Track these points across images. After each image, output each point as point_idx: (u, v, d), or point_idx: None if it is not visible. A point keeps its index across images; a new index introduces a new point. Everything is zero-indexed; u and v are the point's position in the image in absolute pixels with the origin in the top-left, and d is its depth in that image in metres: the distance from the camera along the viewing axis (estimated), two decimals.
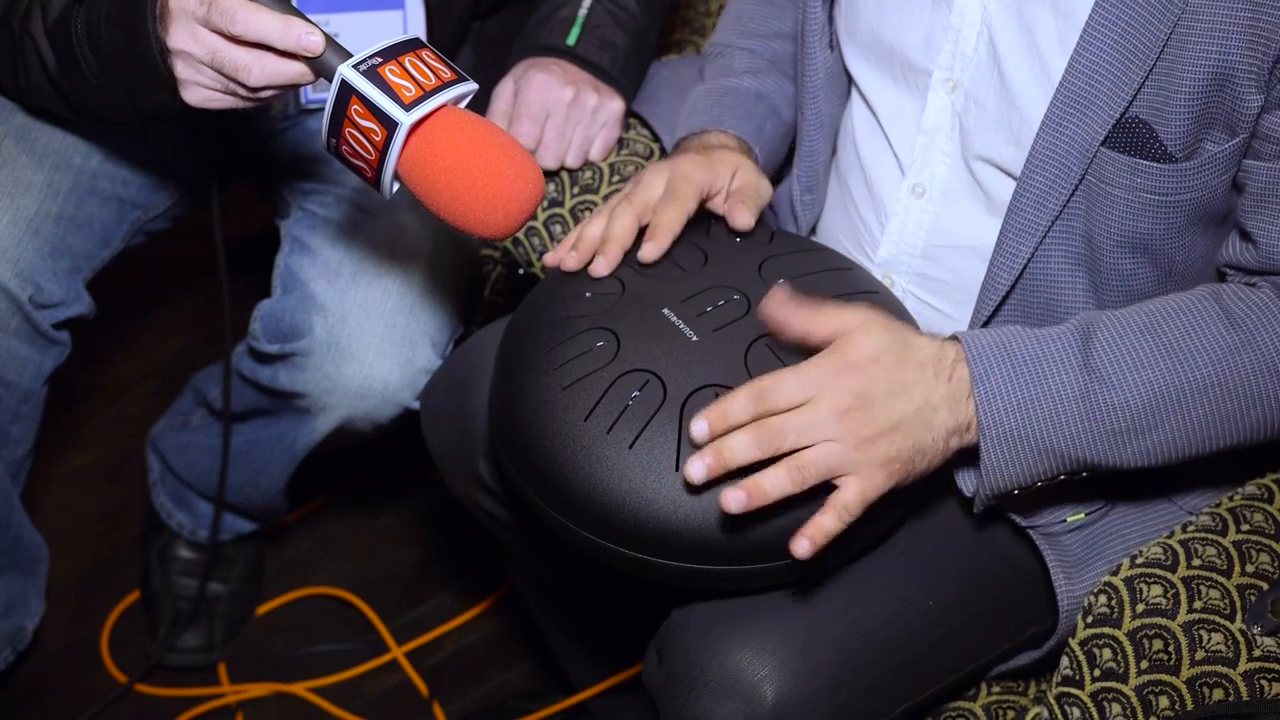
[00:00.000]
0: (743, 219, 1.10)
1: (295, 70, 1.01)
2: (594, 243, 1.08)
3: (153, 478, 1.70)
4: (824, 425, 0.90)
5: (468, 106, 1.03)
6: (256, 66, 1.01)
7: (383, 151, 0.98)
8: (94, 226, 1.35)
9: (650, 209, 1.09)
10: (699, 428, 0.91)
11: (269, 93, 1.04)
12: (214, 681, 1.65)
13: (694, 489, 0.94)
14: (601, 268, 1.07)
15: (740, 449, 0.90)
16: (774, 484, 0.89)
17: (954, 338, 0.97)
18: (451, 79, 1.00)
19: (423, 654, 1.69)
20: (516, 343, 1.05)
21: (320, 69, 1.00)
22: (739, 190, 1.13)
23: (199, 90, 1.06)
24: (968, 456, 0.99)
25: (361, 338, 1.33)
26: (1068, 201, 1.02)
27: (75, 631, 1.69)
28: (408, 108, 0.96)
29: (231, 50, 1.01)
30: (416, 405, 1.34)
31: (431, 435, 1.25)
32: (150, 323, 2.09)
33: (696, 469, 0.90)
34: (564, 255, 1.09)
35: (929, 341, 0.96)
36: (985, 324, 1.08)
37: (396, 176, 1.00)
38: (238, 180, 1.54)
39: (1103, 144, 0.99)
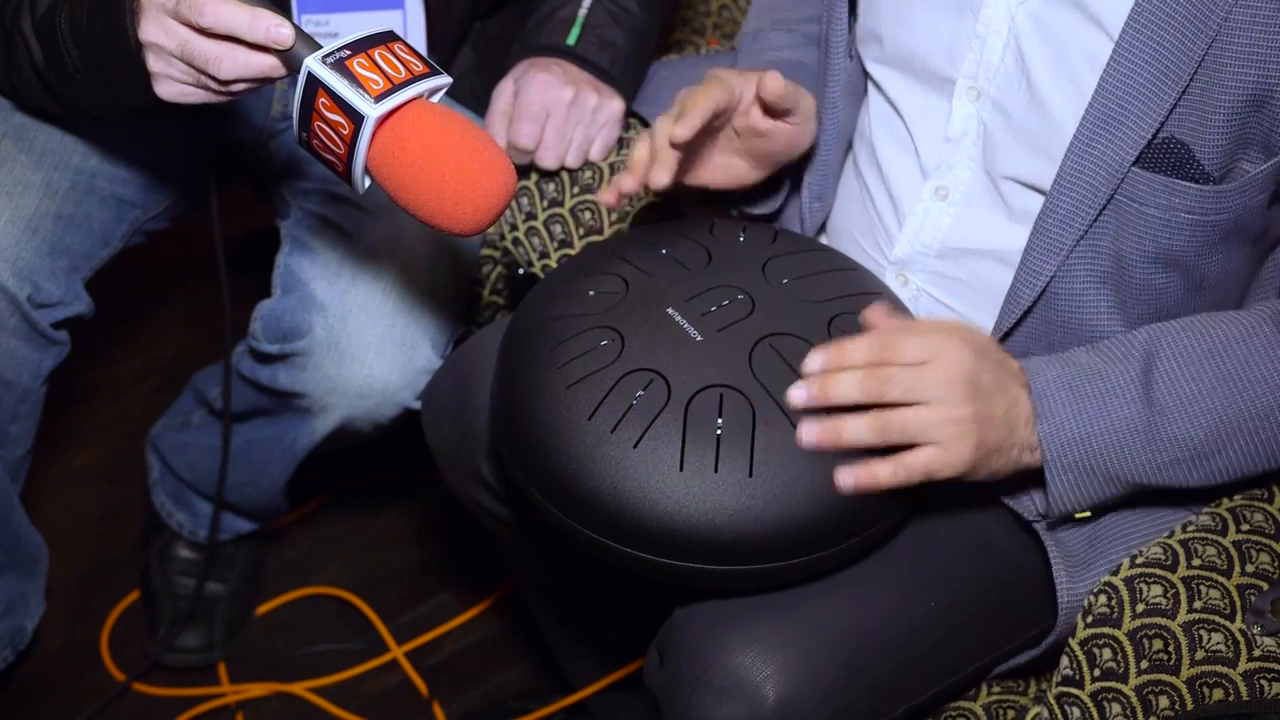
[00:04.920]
0: (772, 85, 1.08)
1: (266, 63, 1.01)
2: (645, 162, 1.08)
3: (153, 478, 1.70)
4: (931, 387, 0.92)
5: (467, 106, 1.03)
6: (227, 59, 1.01)
7: (351, 145, 0.97)
8: (93, 226, 1.35)
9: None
10: (814, 360, 0.92)
11: (241, 86, 1.04)
12: (214, 681, 1.65)
13: (697, 488, 0.94)
14: (662, 176, 1.06)
15: (845, 385, 0.91)
16: (854, 431, 0.92)
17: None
18: (423, 72, 0.99)
19: (423, 654, 1.69)
20: (519, 341, 1.05)
21: (291, 62, 0.99)
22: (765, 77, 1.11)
23: (171, 84, 1.05)
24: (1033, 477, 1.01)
25: (362, 338, 1.33)
26: (1094, 220, 1.01)
27: (75, 631, 1.69)
28: (375, 100, 0.96)
29: (201, 42, 1.01)
30: (417, 405, 1.34)
31: (433, 434, 1.25)
32: (150, 323, 2.09)
33: (798, 395, 0.92)
34: (621, 182, 1.08)
35: (1006, 355, 0.98)
36: (1006, 336, 1.08)
37: (367, 171, 1.00)
38: (237, 180, 1.54)
39: (1136, 164, 0.98)
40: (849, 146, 1.22)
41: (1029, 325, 1.08)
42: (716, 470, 0.94)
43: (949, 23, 1.06)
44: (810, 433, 0.92)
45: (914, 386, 0.92)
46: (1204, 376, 0.96)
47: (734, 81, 1.11)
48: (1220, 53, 0.93)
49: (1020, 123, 1.04)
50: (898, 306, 1.07)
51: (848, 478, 0.92)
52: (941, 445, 0.93)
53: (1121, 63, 0.95)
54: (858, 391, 0.91)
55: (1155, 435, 0.96)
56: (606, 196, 1.09)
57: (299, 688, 1.64)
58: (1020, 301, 1.06)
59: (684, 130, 1.06)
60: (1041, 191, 1.03)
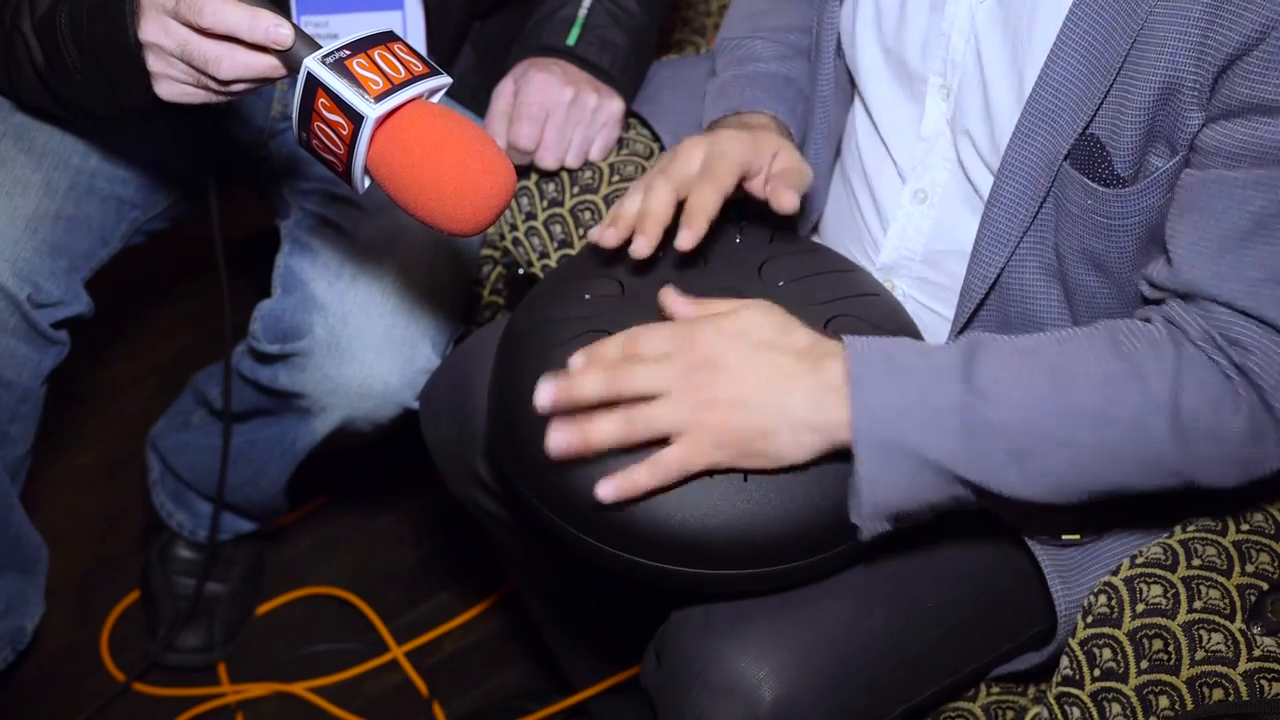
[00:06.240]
0: (787, 202, 1.06)
1: (266, 63, 1.01)
2: (632, 219, 1.04)
3: (153, 478, 1.70)
4: (668, 378, 0.91)
5: (467, 106, 1.03)
6: (226, 59, 1.01)
7: (351, 145, 0.97)
8: (92, 226, 1.35)
9: (688, 184, 1.04)
10: (573, 360, 0.92)
11: (240, 86, 1.04)
12: (214, 681, 1.65)
13: (692, 492, 0.94)
14: (642, 248, 1.02)
15: (590, 386, 0.91)
16: (601, 431, 0.91)
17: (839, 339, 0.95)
18: (423, 72, 0.99)
19: (423, 654, 1.69)
20: (515, 343, 1.05)
21: (291, 62, 0.99)
22: (782, 173, 1.09)
23: (171, 84, 1.05)
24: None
25: (362, 338, 1.33)
26: (1037, 212, 1.01)
27: (75, 631, 1.69)
28: (375, 101, 0.96)
29: (201, 43, 1.01)
30: (417, 405, 1.34)
31: (431, 434, 1.25)
32: (150, 323, 2.09)
33: (544, 394, 0.92)
34: (602, 233, 1.05)
35: (810, 334, 0.95)
36: (963, 329, 1.08)
37: (367, 171, 1.00)
38: (237, 180, 1.54)
39: (1066, 159, 0.98)
40: (839, 149, 1.22)
41: (984, 320, 1.08)
42: (711, 474, 0.94)
43: (922, 19, 1.06)
44: (558, 441, 0.90)
45: (653, 376, 0.90)
46: (1027, 367, 0.92)
47: (746, 157, 1.07)
48: (1142, 48, 0.93)
49: (976, 118, 1.04)
50: (894, 309, 1.07)
51: (608, 489, 0.91)
52: (690, 436, 0.91)
53: (1059, 57, 0.96)
54: (601, 389, 0.90)
55: (971, 417, 0.91)
56: (592, 234, 1.05)
57: (299, 688, 1.64)
58: (973, 294, 1.05)
59: (688, 242, 1.02)
60: None
